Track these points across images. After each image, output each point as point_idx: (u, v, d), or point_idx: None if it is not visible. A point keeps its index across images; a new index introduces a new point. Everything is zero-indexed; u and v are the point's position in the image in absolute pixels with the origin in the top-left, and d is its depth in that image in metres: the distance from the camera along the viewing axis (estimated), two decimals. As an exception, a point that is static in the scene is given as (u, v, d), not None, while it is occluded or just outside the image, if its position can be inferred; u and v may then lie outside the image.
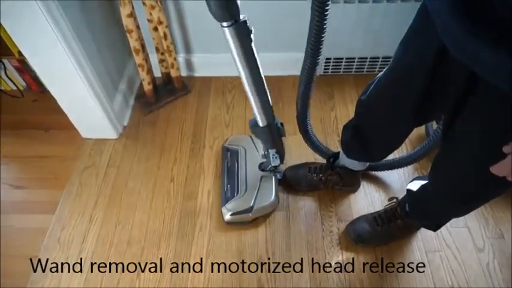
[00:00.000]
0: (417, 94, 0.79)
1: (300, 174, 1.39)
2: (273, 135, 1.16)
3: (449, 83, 0.74)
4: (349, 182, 1.39)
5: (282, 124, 1.15)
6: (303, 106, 1.11)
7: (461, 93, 0.70)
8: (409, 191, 1.15)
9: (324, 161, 1.38)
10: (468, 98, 0.69)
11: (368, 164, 1.33)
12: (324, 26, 0.80)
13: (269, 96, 1.05)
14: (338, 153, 1.31)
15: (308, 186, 1.39)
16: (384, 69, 0.91)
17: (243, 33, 0.83)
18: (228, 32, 0.82)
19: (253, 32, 0.85)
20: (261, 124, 1.11)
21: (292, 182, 1.40)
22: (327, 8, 0.74)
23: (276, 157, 1.26)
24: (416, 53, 0.76)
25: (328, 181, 1.35)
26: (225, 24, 0.80)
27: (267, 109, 1.07)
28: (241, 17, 0.81)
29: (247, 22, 0.82)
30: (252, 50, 0.89)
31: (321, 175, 1.35)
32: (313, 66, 0.93)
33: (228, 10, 0.77)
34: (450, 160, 0.86)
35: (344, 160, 1.28)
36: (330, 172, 1.34)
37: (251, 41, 0.86)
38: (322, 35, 0.82)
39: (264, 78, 0.98)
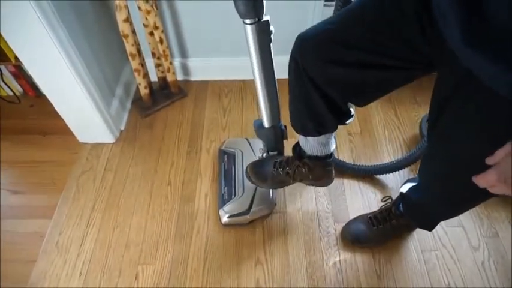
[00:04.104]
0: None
1: (266, 171, 1.23)
2: (276, 137, 1.17)
3: (440, 83, 0.74)
4: (319, 175, 1.18)
5: (285, 126, 1.16)
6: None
7: (450, 92, 0.70)
8: (401, 193, 1.16)
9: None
10: (456, 97, 0.69)
11: (333, 145, 1.12)
12: None
13: (278, 97, 1.06)
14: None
15: (274, 183, 1.24)
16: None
17: (264, 32, 0.85)
18: (249, 30, 0.84)
19: (273, 32, 0.87)
20: (266, 125, 1.12)
21: (257, 180, 1.25)
22: None
23: None
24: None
25: (296, 175, 1.18)
26: (248, 21, 0.82)
27: (274, 110, 1.08)
28: (265, 17, 0.83)
29: (269, 22, 0.84)
30: (270, 50, 0.91)
31: (287, 168, 1.19)
32: None
33: (254, 8, 0.79)
34: (434, 161, 0.86)
35: (305, 146, 1.12)
36: (297, 164, 1.16)
37: (270, 41, 0.89)
38: None
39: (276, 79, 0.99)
